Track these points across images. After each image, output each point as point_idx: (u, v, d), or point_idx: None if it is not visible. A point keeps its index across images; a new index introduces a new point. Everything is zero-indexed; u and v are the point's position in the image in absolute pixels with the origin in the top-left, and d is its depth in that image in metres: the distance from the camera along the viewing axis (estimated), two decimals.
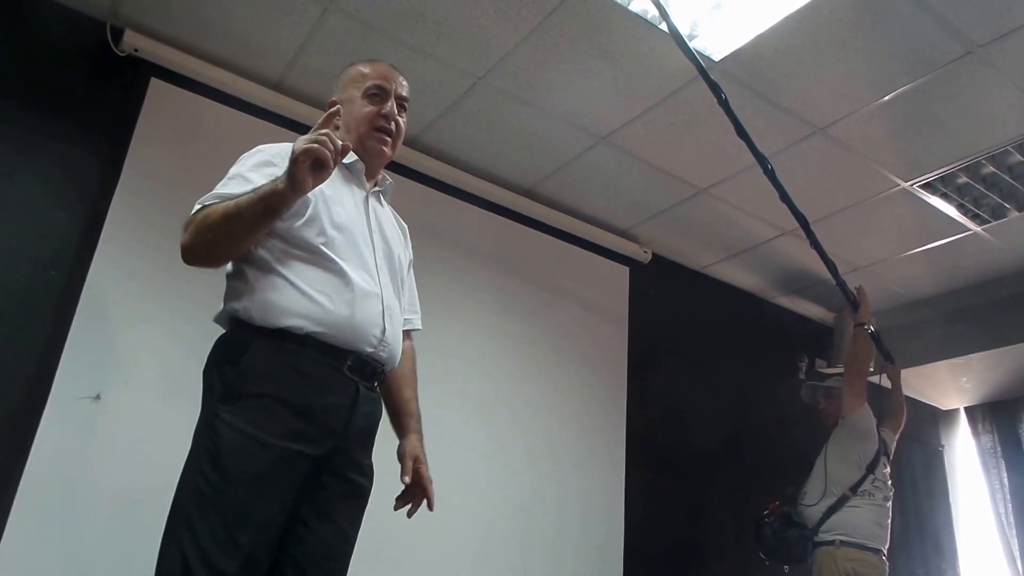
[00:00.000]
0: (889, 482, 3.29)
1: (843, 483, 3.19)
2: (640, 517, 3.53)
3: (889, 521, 3.24)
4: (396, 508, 1.84)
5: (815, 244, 2.93)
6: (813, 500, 3.23)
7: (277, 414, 1.57)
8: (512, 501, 3.20)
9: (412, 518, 1.75)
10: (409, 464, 1.87)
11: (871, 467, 3.22)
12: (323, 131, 1.50)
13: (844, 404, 3.30)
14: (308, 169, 1.48)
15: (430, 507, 1.87)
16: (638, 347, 3.82)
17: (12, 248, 2.48)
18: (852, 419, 3.26)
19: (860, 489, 3.18)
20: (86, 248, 2.56)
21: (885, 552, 3.18)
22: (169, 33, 2.82)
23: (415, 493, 1.87)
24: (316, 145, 1.47)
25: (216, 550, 1.47)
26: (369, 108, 1.84)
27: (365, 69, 1.89)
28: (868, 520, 3.16)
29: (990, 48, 2.57)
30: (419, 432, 1.93)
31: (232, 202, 1.55)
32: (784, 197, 2.68)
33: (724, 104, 2.44)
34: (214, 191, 1.65)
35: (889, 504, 3.25)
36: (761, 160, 2.59)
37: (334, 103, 1.89)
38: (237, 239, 1.59)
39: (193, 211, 1.61)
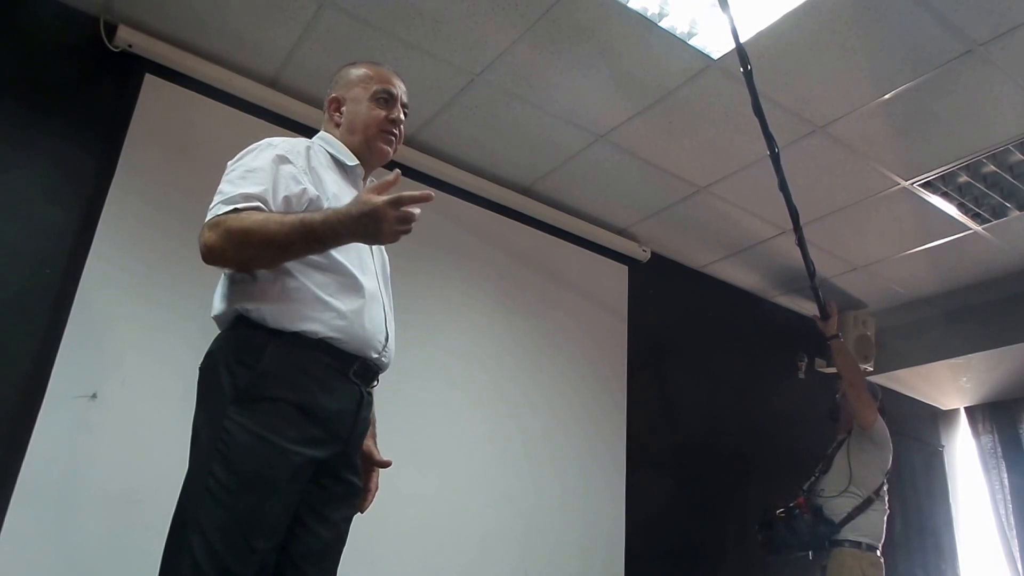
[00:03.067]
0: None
1: (868, 486, 3.20)
2: (641, 516, 3.53)
3: None
4: None
5: (800, 242, 2.89)
6: (833, 492, 3.23)
7: (292, 419, 1.55)
8: (512, 501, 3.19)
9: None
10: (366, 467, 1.87)
11: (887, 475, 3.25)
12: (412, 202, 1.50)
13: (860, 416, 3.26)
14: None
15: (360, 510, 1.86)
16: (638, 346, 3.81)
17: (6, 245, 2.47)
18: (874, 431, 3.24)
19: (879, 494, 3.21)
20: (81, 245, 2.55)
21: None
22: (163, 29, 2.80)
23: (361, 498, 1.85)
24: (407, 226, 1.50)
25: (230, 555, 1.45)
26: (379, 112, 1.85)
27: (371, 71, 1.90)
28: (883, 524, 3.20)
29: (990, 46, 2.55)
30: (375, 438, 1.93)
31: (278, 226, 1.51)
32: (783, 186, 2.64)
33: (747, 76, 2.40)
34: (239, 189, 1.58)
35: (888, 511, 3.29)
36: (769, 141, 2.54)
37: (335, 100, 1.89)
38: (276, 263, 1.59)
39: (220, 211, 1.54)
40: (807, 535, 3.21)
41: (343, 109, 1.88)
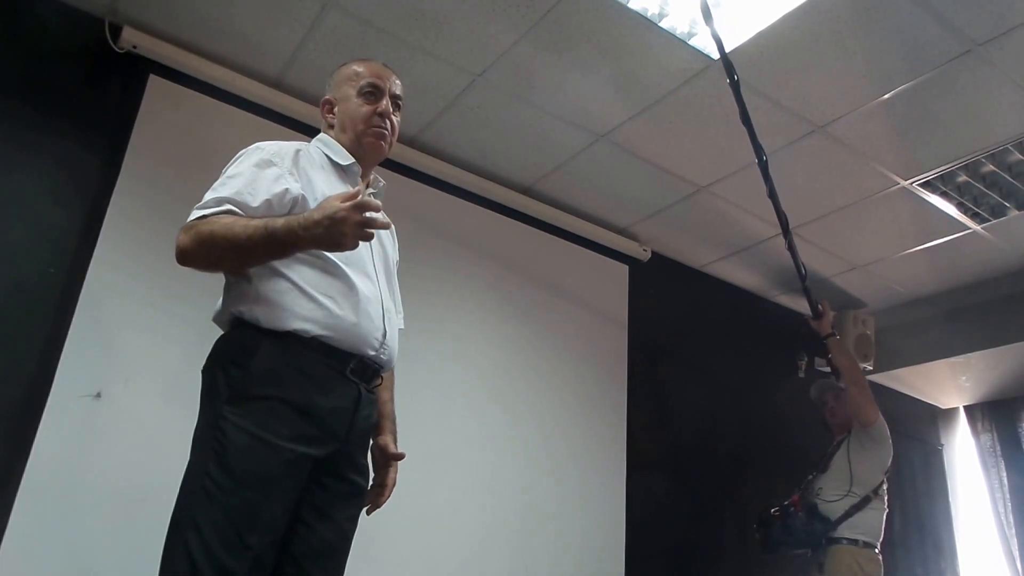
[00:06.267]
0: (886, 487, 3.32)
1: (868, 485, 3.20)
2: (642, 516, 3.53)
3: None
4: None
5: (791, 247, 2.91)
6: (834, 496, 3.22)
7: (284, 416, 1.57)
8: (513, 501, 3.20)
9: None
10: (382, 462, 1.90)
11: (887, 472, 3.25)
12: (371, 209, 1.52)
13: (862, 413, 3.26)
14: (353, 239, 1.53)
15: (377, 506, 1.88)
16: (638, 346, 3.81)
17: (11, 246, 2.48)
18: (875, 427, 3.24)
19: (878, 492, 3.21)
20: (85, 245, 2.56)
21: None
22: (168, 30, 2.81)
23: (377, 492, 1.88)
24: (370, 227, 1.52)
25: (224, 552, 1.47)
26: (365, 107, 1.85)
27: (359, 68, 1.90)
28: (881, 522, 3.21)
29: (990, 46, 2.56)
30: (393, 433, 1.94)
31: (242, 229, 1.54)
32: (772, 194, 2.66)
33: (735, 86, 2.41)
34: (215, 194, 1.62)
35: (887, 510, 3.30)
36: (758, 150, 2.57)
37: (327, 102, 1.91)
38: (243, 266, 1.63)
39: (194, 216, 1.59)
40: (801, 533, 3.22)
41: (335, 110, 1.89)
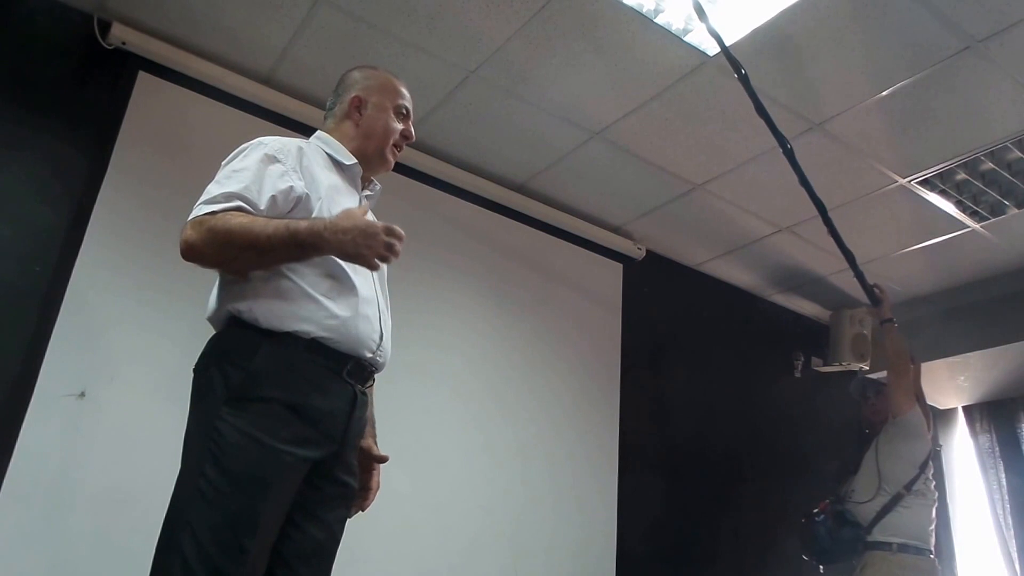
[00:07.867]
0: (933, 483, 3.18)
1: (898, 481, 3.08)
2: (633, 517, 3.51)
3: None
4: None
5: (832, 231, 2.84)
6: (865, 497, 3.12)
7: (284, 419, 1.55)
8: (503, 501, 3.18)
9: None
10: (366, 464, 1.88)
11: (923, 466, 3.13)
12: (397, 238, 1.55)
13: (894, 403, 3.20)
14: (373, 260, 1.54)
15: (362, 509, 1.88)
16: (632, 345, 3.79)
17: None
18: (906, 418, 3.15)
19: (914, 488, 3.08)
20: (71, 243, 2.53)
21: (933, 552, 3.09)
22: (157, 26, 2.79)
23: (362, 496, 1.87)
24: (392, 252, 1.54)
25: (220, 555, 1.44)
26: (400, 126, 1.92)
27: (395, 82, 1.96)
28: (923, 521, 3.07)
29: (989, 43, 2.54)
30: (374, 436, 1.93)
31: (262, 228, 1.52)
32: (803, 181, 2.62)
33: (744, 80, 2.38)
34: (222, 188, 1.59)
35: (936, 504, 3.16)
36: (780, 139, 2.53)
37: (358, 99, 1.89)
38: (257, 266, 1.60)
39: (202, 211, 1.55)
40: (827, 540, 3.10)
41: (363, 112, 1.89)
